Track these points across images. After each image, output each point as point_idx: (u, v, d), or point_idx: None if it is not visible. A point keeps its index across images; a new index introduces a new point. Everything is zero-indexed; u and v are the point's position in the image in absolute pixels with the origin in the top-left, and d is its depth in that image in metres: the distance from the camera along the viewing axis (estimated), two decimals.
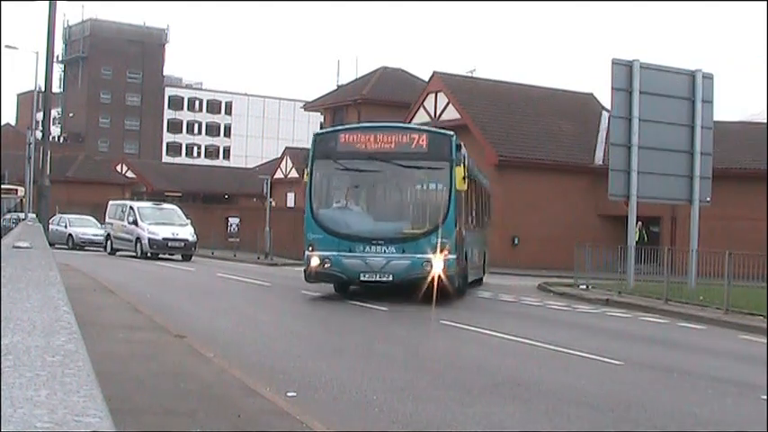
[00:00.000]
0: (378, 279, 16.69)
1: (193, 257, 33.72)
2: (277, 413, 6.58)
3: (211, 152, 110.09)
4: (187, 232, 33.40)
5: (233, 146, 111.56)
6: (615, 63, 22.49)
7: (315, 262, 16.78)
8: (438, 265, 16.40)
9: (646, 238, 30.87)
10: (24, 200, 39.84)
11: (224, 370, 8.31)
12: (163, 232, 32.69)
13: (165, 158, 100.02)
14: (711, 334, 15.23)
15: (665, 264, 20.70)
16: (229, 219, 40.44)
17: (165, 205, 36.94)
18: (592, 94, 40.76)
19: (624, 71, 22.41)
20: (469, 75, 43.00)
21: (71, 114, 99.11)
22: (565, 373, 9.98)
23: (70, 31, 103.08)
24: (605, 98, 31.95)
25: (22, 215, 36.44)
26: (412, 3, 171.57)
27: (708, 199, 23.08)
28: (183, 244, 32.87)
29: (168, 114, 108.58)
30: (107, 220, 36.14)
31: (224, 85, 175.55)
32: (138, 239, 32.94)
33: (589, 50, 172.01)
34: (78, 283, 16.09)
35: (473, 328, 13.37)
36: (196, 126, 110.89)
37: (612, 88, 22.41)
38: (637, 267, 22.02)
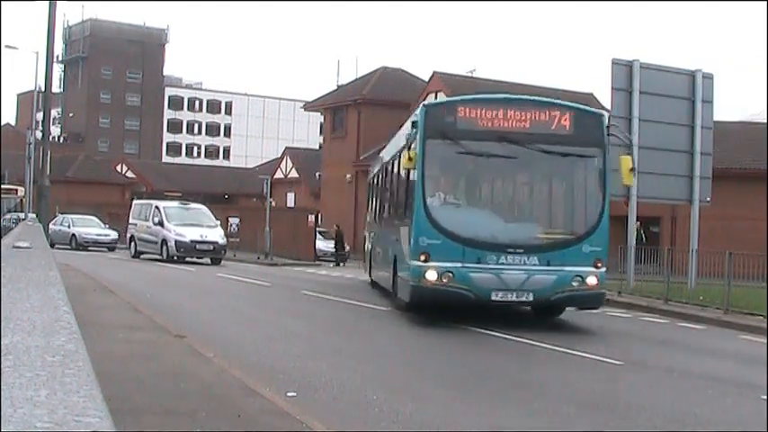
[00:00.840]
0: (514, 299, 13.37)
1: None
2: (277, 413, 6.58)
3: (211, 152, 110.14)
4: (216, 234, 31.25)
5: (233, 146, 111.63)
6: (615, 63, 22.49)
7: (431, 276, 13.00)
8: (591, 281, 13.30)
9: (644, 239, 30.86)
10: (24, 200, 39.91)
11: (224, 370, 8.31)
12: (190, 234, 30.43)
13: (165, 158, 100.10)
14: (711, 334, 15.23)
15: (665, 264, 20.69)
16: (229, 219, 40.43)
17: (193, 205, 34.20)
18: (592, 94, 40.77)
19: (624, 71, 22.40)
20: (469, 75, 43.02)
21: (71, 114, 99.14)
22: (565, 373, 9.98)
23: (70, 31, 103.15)
24: (605, 98, 31.95)
25: (21, 215, 36.46)
26: (412, 3, 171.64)
27: (708, 199, 23.06)
28: (212, 247, 30.68)
29: (168, 114, 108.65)
30: (131, 220, 34.16)
31: (224, 85, 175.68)
32: (164, 241, 30.82)
33: (589, 50, 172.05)
34: (78, 283, 16.09)
35: (473, 329, 13.36)
36: (196, 126, 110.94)
37: (612, 88, 22.40)
38: (637, 267, 22.01)
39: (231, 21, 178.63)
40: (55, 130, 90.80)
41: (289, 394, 7.60)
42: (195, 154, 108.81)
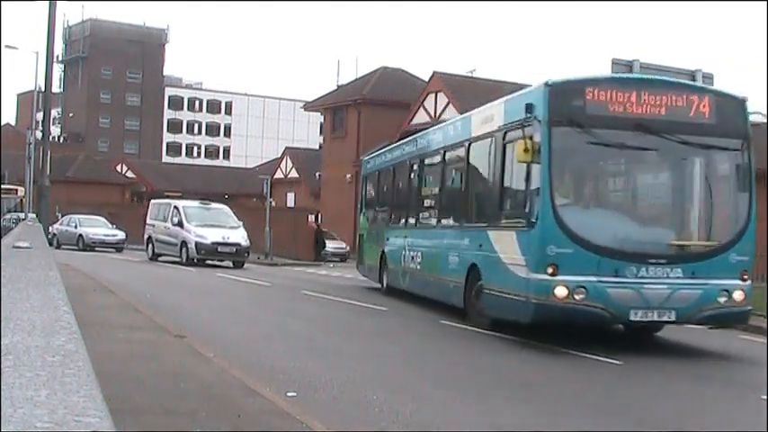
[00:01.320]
0: (655, 318, 11.42)
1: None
2: (277, 413, 6.57)
3: (211, 152, 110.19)
4: (239, 235, 29.40)
5: (233, 146, 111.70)
6: (615, 63, 22.42)
7: (561, 292, 10.93)
8: (738, 295, 11.45)
9: None
10: (24, 200, 39.84)
11: (224, 370, 8.31)
12: (212, 235, 28.68)
13: (165, 158, 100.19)
14: (711, 334, 15.21)
15: None
16: None
17: (214, 205, 32.40)
18: None
19: (624, 71, 22.35)
20: (469, 75, 43.01)
21: (71, 114, 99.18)
22: (565, 373, 9.98)
23: (70, 31, 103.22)
24: None
25: (21, 215, 36.43)
26: (412, 3, 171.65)
27: None
28: (234, 249, 29.07)
29: (168, 114, 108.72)
30: (148, 221, 32.42)
31: (224, 85, 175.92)
32: (184, 243, 29.07)
33: (589, 50, 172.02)
34: (78, 283, 16.09)
35: (473, 328, 13.36)
36: (196, 126, 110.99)
37: None
38: None
39: (231, 21, 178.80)
40: (55, 130, 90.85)
41: (289, 394, 7.60)
42: (195, 154, 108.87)
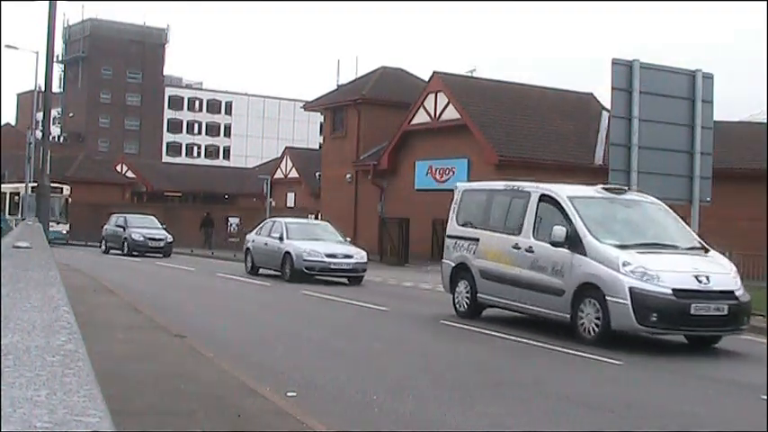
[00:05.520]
0: None
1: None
2: (277, 413, 6.58)
3: (211, 152, 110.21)
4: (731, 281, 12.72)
5: (233, 146, 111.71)
6: (615, 63, 22.45)
7: None
8: None
9: None
10: (70, 200, 38.12)
11: (224, 370, 8.31)
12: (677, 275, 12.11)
13: (165, 158, 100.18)
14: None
15: None
16: (229, 219, 40.34)
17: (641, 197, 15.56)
18: (592, 94, 40.73)
19: (624, 71, 22.36)
20: (469, 75, 43.00)
21: (71, 114, 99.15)
22: (565, 373, 9.98)
23: (70, 31, 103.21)
24: (605, 98, 31.95)
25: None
26: (412, 3, 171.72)
27: (708, 199, 23.05)
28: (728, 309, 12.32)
29: (168, 114, 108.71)
30: (451, 224, 15.57)
31: (224, 85, 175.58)
32: (626, 293, 11.75)
33: (589, 50, 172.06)
34: (78, 283, 16.09)
35: (473, 328, 13.36)
36: (196, 126, 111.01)
37: (612, 88, 22.35)
38: None
39: (231, 21, 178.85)
40: (55, 130, 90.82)
41: (289, 394, 7.61)
42: (195, 154, 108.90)
